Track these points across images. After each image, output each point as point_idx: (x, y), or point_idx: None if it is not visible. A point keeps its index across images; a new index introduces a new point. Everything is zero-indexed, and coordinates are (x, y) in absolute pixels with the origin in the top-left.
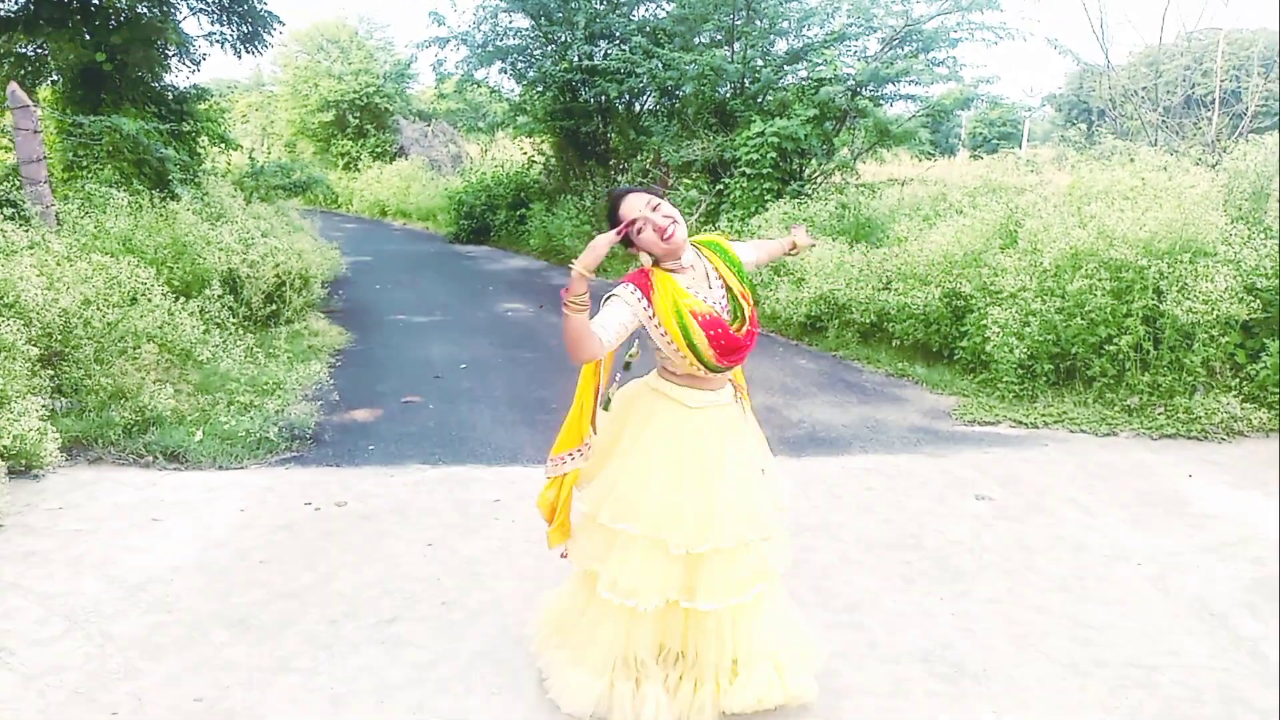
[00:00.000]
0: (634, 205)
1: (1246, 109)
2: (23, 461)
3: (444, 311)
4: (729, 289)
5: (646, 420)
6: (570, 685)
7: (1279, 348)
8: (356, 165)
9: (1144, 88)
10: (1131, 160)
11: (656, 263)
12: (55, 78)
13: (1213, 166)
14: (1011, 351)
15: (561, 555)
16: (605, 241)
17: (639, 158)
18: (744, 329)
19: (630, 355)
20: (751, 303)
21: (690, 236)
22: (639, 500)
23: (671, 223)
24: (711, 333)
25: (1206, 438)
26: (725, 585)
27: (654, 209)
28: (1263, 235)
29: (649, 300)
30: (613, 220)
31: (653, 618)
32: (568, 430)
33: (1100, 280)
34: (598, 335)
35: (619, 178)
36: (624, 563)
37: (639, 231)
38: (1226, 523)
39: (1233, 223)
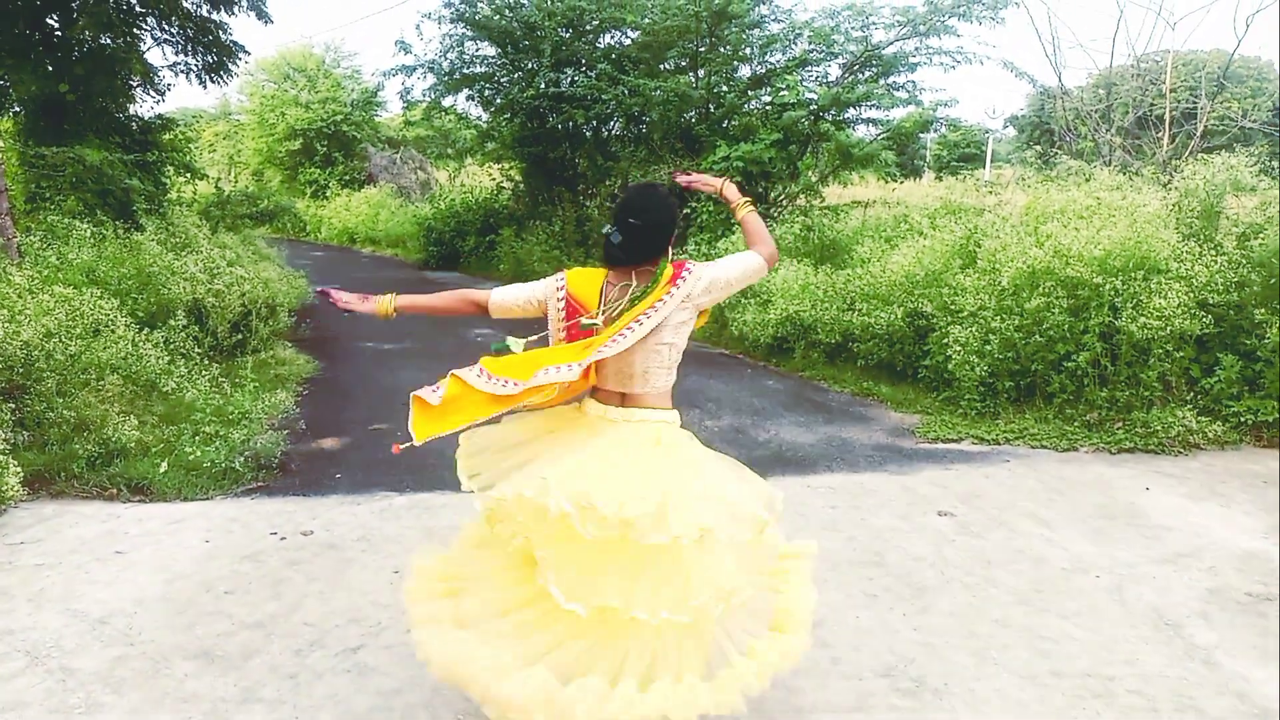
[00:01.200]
0: None
1: (1197, 129)
2: None
3: (413, 339)
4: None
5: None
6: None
7: (1233, 361)
8: (324, 193)
9: (1098, 109)
10: (1087, 180)
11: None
12: (17, 109)
13: (1164, 185)
14: (973, 369)
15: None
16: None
17: (606, 183)
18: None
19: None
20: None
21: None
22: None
23: None
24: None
25: (1163, 451)
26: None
27: None
28: (1213, 252)
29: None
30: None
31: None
32: (554, 353)
33: (1057, 298)
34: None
35: (587, 202)
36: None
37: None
38: (1182, 534)
39: (1184, 240)
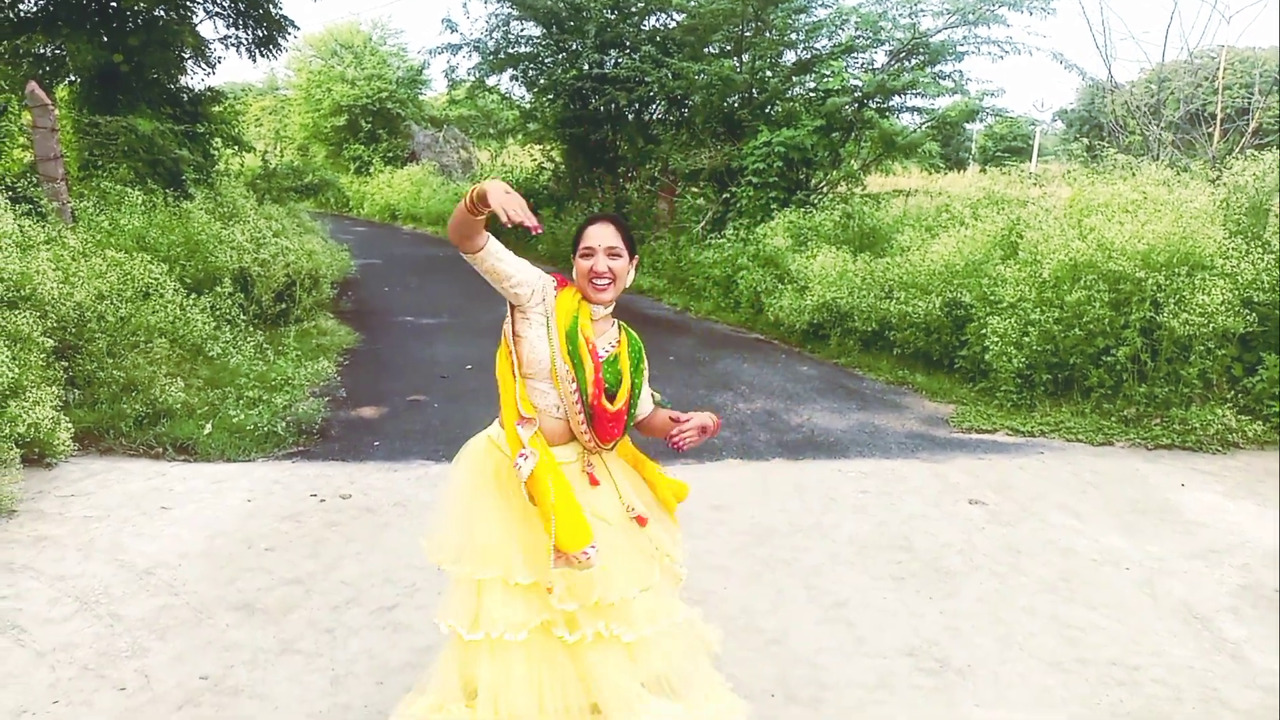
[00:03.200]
0: (596, 235)
1: (1250, 125)
2: (36, 450)
3: (451, 314)
4: (618, 354)
5: (483, 478)
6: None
7: (1276, 361)
8: (368, 169)
9: (1148, 103)
10: (1133, 174)
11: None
12: (73, 78)
13: (1213, 181)
14: (1010, 361)
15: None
16: (508, 200)
17: (647, 165)
18: (615, 405)
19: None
20: (628, 397)
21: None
22: (466, 542)
23: (608, 281)
24: (596, 361)
25: (1201, 449)
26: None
27: (608, 251)
28: (1260, 249)
29: (556, 295)
30: (576, 241)
31: (527, 656)
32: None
33: (1099, 292)
34: (491, 244)
35: (627, 185)
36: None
37: (583, 255)
38: (1216, 530)
39: (1231, 236)
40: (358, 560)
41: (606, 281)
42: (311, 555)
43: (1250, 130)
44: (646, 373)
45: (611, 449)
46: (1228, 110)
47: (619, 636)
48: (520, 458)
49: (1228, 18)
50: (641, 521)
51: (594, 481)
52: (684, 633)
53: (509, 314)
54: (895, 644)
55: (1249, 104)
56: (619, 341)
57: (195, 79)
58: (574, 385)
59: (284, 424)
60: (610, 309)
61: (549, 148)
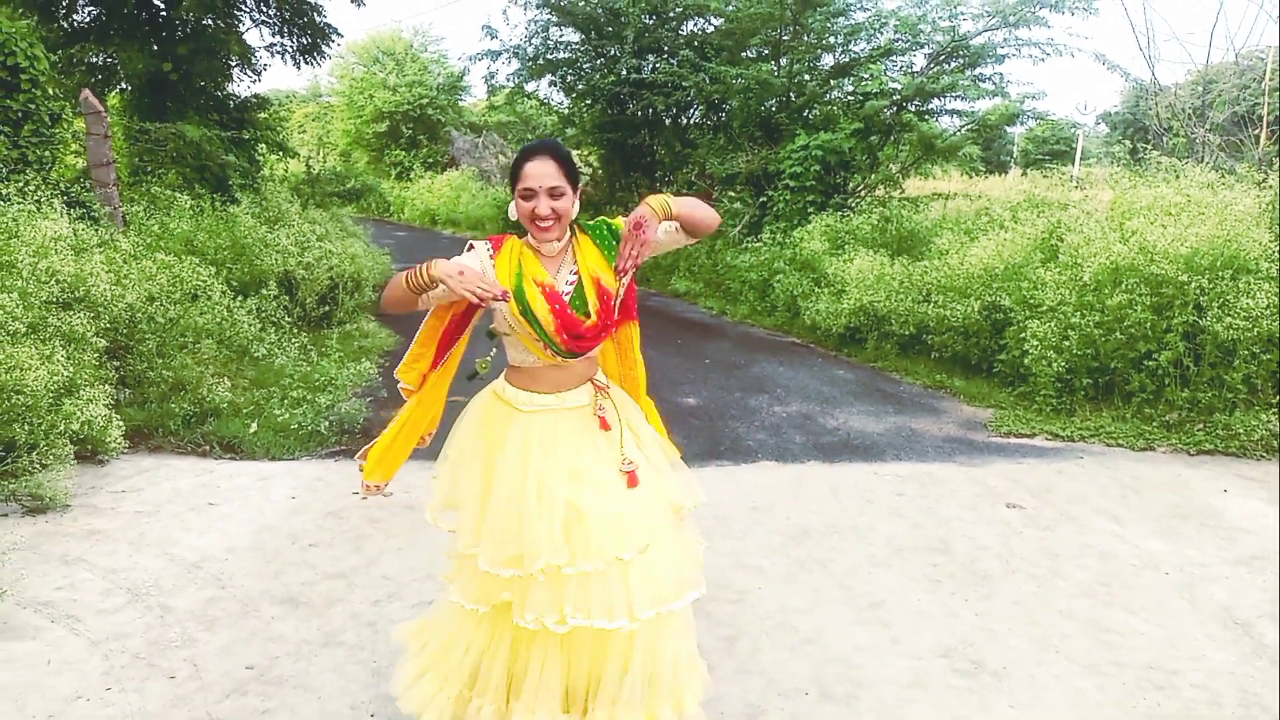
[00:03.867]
0: (535, 174)
1: None
2: (89, 447)
3: (489, 316)
4: (581, 280)
5: (481, 430)
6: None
7: None
8: (408, 175)
9: (1194, 106)
10: (1177, 177)
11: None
12: (124, 85)
13: (1259, 184)
14: (1050, 365)
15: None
16: (468, 282)
17: (684, 170)
18: (592, 318)
19: (479, 364)
20: (610, 298)
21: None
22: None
23: (551, 222)
24: (555, 305)
25: (1245, 454)
26: (601, 605)
27: (550, 192)
28: None
29: (494, 260)
30: (514, 178)
31: (522, 638)
32: (406, 366)
33: (1140, 295)
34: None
35: (664, 189)
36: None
37: (523, 195)
38: (1259, 537)
39: (1277, 239)
40: (398, 556)
41: (550, 223)
42: (354, 550)
43: None
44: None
45: (581, 356)
46: (1275, 112)
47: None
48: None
49: (1275, 17)
50: (632, 481)
51: (605, 425)
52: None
53: None
54: (930, 645)
55: None
56: (577, 264)
57: (241, 86)
58: (537, 339)
59: (327, 423)
60: (562, 241)
61: (587, 152)
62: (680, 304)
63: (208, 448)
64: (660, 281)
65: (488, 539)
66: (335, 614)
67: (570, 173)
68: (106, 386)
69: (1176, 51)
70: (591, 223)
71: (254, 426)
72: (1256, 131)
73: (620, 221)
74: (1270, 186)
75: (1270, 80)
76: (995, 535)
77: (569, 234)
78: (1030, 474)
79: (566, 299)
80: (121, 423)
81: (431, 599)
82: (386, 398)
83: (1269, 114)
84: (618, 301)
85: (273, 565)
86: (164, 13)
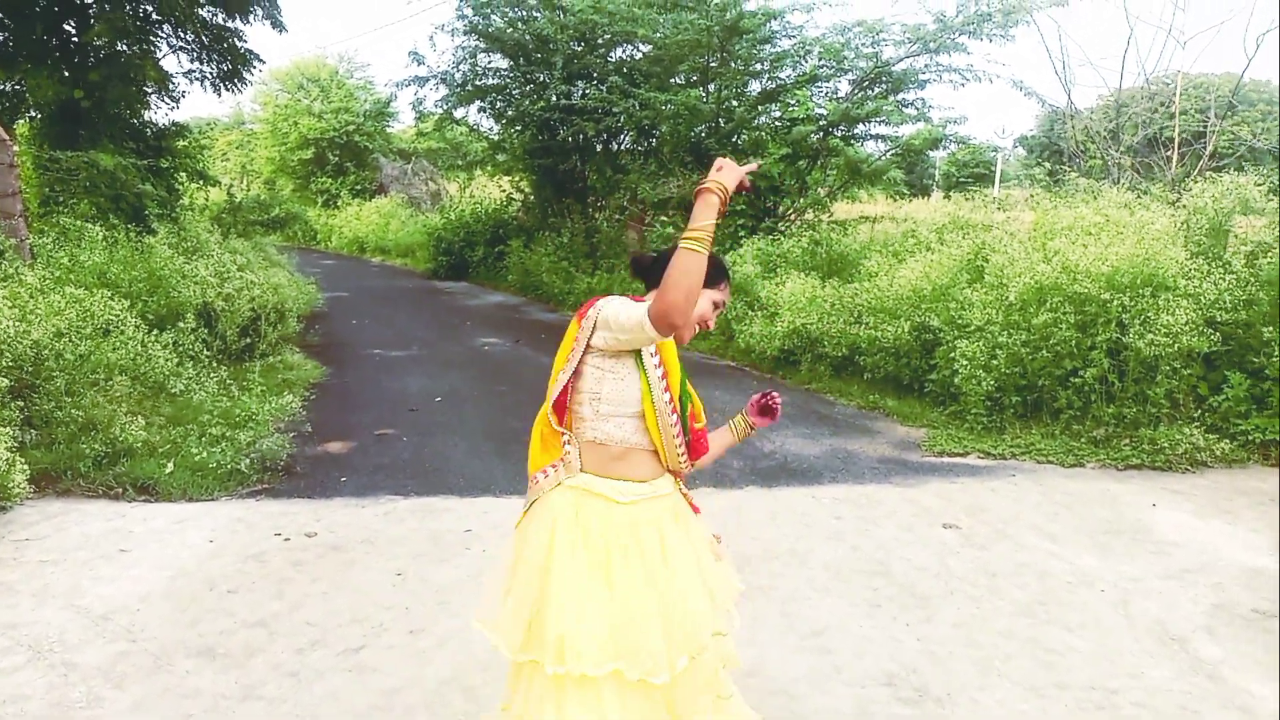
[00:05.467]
0: (729, 290)
1: (1206, 149)
2: None
3: (421, 346)
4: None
5: (570, 527)
6: None
7: (1241, 379)
8: (335, 202)
9: (1107, 128)
10: (1095, 198)
11: None
12: (33, 113)
13: (1173, 204)
14: (979, 384)
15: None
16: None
17: (616, 195)
18: (700, 423)
19: None
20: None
21: None
22: (574, 629)
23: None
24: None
25: (1170, 468)
26: (703, 688)
27: (721, 304)
28: (1221, 270)
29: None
30: (716, 282)
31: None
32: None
33: (1064, 314)
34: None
35: (596, 214)
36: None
37: (715, 304)
38: (1188, 550)
39: (1192, 257)
40: (323, 600)
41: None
42: (276, 596)
43: (1207, 154)
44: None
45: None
46: (1184, 134)
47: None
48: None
49: (1183, 44)
50: (717, 553)
51: (696, 509)
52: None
53: (579, 348)
54: (873, 672)
55: (1205, 128)
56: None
57: (159, 113)
58: (675, 420)
59: (248, 461)
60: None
61: (518, 178)
62: None
63: (120, 490)
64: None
65: (622, 654)
66: (255, 665)
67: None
68: (9, 428)
69: (1090, 76)
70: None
71: (170, 466)
72: (1168, 153)
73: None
74: (1183, 206)
75: (1179, 104)
76: (933, 556)
77: None
78: (964, 493)
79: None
80: (26, 466)
81: (359, 645)
82: (311, 432)
83: (1178, 137)
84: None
85: (188, 614)
86: (75, 38)
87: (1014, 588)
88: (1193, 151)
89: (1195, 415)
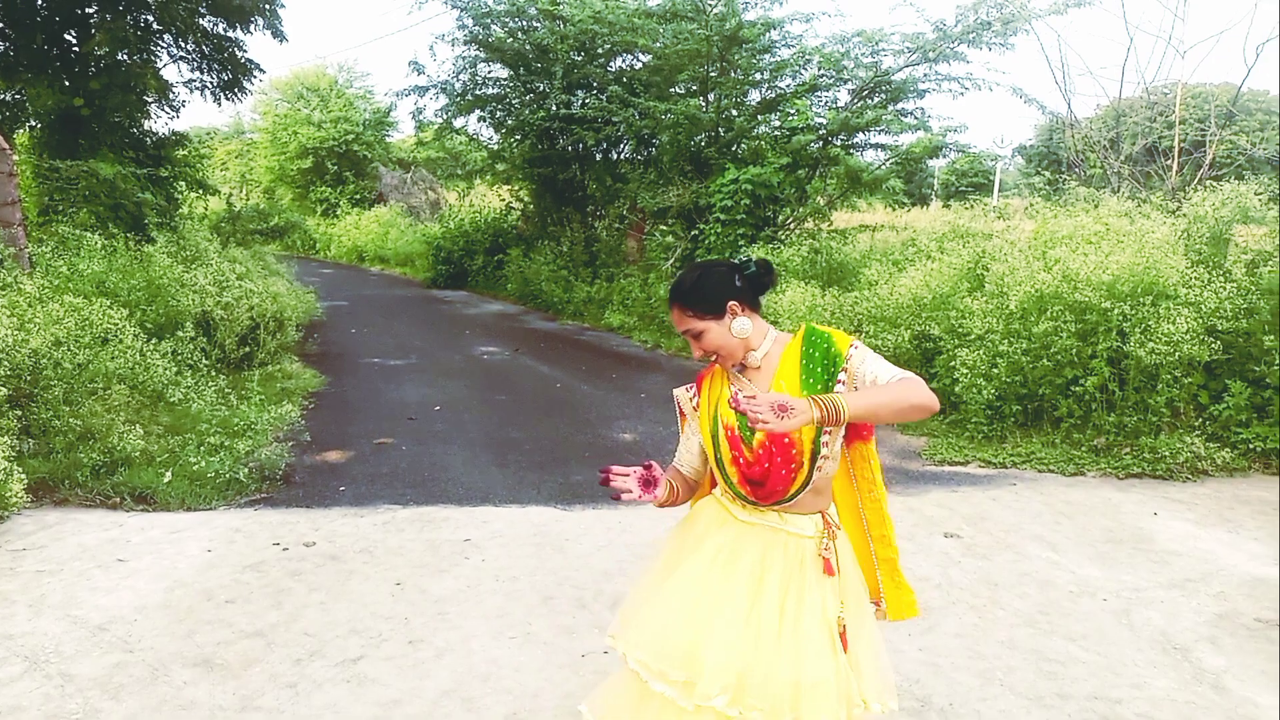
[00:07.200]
0: (676, 323)
1: (1205, 158)
2: None
3: (419, 355)
4: None
5: (686, 526)
6: None
7: (1242, 388)
8: (335, 211)
9: (1107, 138)
10: (1095, 206)
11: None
12: (33, 122)
13: (1173, 213)
14: (980, 393)
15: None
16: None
17: (615, 204)
18: (754, 454)
19: None
20: (783, 435)
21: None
22: (648, 620)
23: (711, 358)
24: (735, 452)
25: (1171, 477)
26: None
27: (689, 335)
28: (1222, 278)
29: (698, 393)
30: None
31: None
32: None
33: (1065, 322)
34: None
35: (595, 224)
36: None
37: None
38: (1190, 559)
39: (1193, 266)
40: (322, 610)
41: (711, 359)
42: (274, 606)
43: (1206, 163)
44: (861, 362)
45: (786, 502)
46: (1184, 144)
47: None
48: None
49: (1182, 53)
50: (844, 642)
51: (830, 570)
52: None
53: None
54: None
55: (1204, 137)
56: (775, 367)
57: (159, 123)
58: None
59: (246, 470)
60: (760, 354)
61: (517, 188)
62: (615, 338)
63: (118, 499)
64: (594, 316)
65: (648, 640)
66: (253, 676)
67: (701, 308)
68: (7, 438)
69: (1090, 85)
70: (819, 330)
71: (168, 476)
72: (1167, 162)
73: (846, 341)
74: (1183, 215)
75: (1178, 113)
76: (935, 565)
77: (770, 343)
78: (965, 502)
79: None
80: (24, 475)
81: (358, 655)
82: (310, 441)
83: (1178, 146)
84: (806, 432)
85: (185, 625)
86: (76, 47)
87: (1016, 597)
88: (1192, 161)
89: (1196, 424)
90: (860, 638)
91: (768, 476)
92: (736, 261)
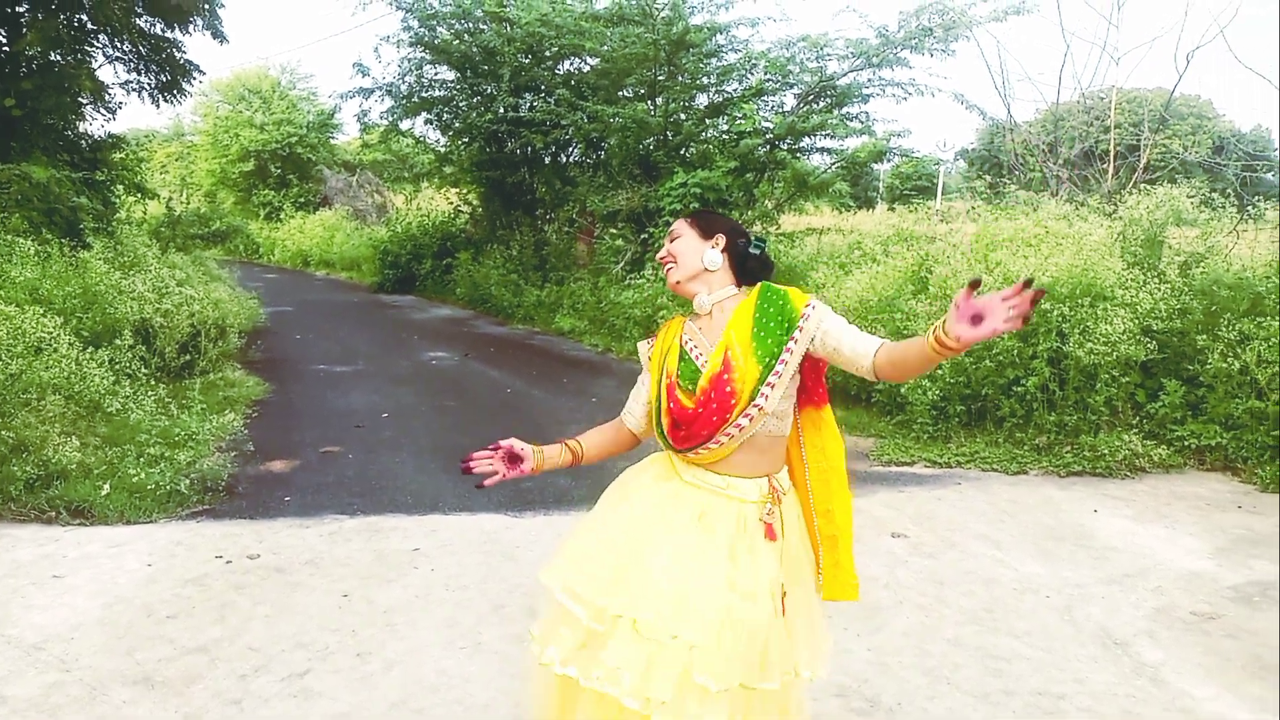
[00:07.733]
0: (674, 228)
1: (1140, 161)
2: None
3: (367, 361)
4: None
5: (631, 474)
6: None
7: (1177, 387)
8: (278, 215)
9: (1045, 142)
10: (1034, 210)
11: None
12: None
13: (1109, 215)
14: (925, 394)
15: None
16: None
17: (565, 207)
18: (694, 400)
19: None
20: (724, 370)
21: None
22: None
23: (670, 264)
24: (670, 402)
25: (1110, 474)
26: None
27: (669, 237)
28: (1156, 279)
29: (651, 344)
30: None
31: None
32: None
33: None
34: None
35: (545, 227)
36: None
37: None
38: (1129, 555)
39: (1129, 268)
40: (266, 624)
41: (669, 266)
42: (217, 620)
43: (1140, 166)
44: (819, 322)
45: (702, 448)
46: (1119, 148)
47: None
48: None
49: (1117, 60)
50: (783, 608)
51: (771, 534)
52: None
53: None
54: (824, 683)
55: (1139, 141)
56: (726, 320)
57: (95, 125)
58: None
59: (187, 482)
60: (709, 299)
61: (465, 191)
62: (565, 342)
63: (53, 514)
64: (544, 320)
65: (571, 564)
66: (195, 693)
67: (700, 223)
68: None
69: (1029, 91)
70: (776, 288)
71: (105, 488)
72: (1104, 166)
73: (803, 299)
74: (1119, 218)
75: (1114, 118)
76: (882, 565)
77: (727, 296)
78: (911, 502)
79: (701, 370)
80: None
81: (304, 670)
82: (253, 451)
83: (1114, 150)
84: (746, 385)
85: (125, 641)
86: (6, 47)
87: (961, 596)
88: (1127, 164)
89: (1133, 422)
90: (797, 607)
91: (694, 420)
92: (755, 235)
